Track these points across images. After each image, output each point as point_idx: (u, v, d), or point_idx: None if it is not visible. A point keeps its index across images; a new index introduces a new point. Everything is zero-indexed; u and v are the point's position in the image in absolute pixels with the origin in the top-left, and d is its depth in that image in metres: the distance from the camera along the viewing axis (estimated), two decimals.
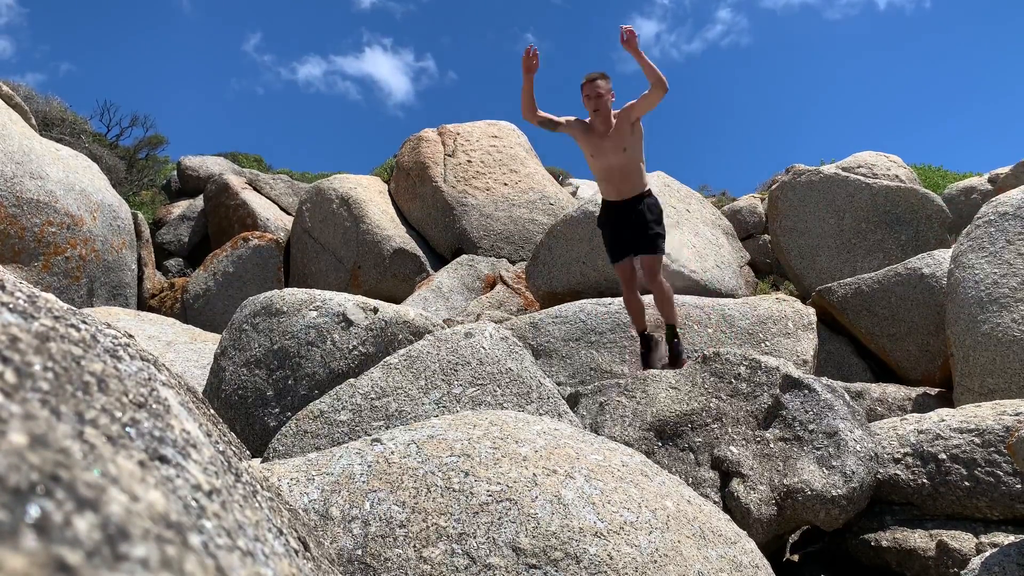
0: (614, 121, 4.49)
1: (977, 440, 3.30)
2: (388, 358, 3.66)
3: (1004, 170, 11.49)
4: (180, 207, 13.46)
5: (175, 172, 15.36)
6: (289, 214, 12.36)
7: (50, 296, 0.95)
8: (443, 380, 3.49)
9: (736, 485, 3.32)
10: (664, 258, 7.08)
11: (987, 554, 2.72)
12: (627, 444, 3.46)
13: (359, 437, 3.20)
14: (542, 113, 4.49)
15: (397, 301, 8.03)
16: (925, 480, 3.36)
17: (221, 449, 1.06)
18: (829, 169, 8.64)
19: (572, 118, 4.58)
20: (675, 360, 4.34)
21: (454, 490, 2.14)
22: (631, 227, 4.60)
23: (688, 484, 3.10)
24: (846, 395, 3.57)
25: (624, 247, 4.67)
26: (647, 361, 4.49)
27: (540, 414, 3.32)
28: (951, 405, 4.72)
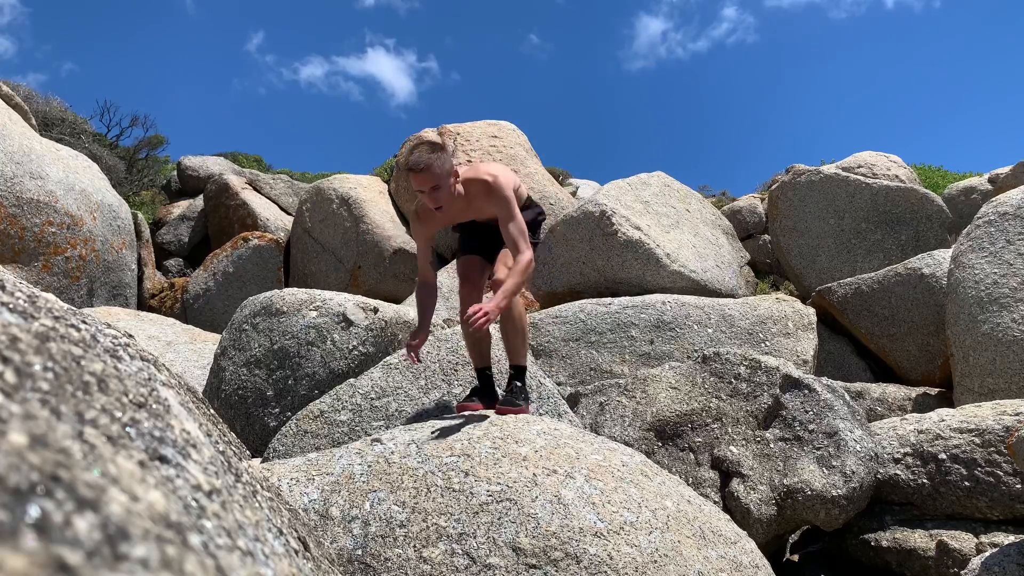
0: (470, 199, 3.15)
1: (977, 440, 3.30)
2: (388, 358, 3.66)
3: (1004, 170, 11.48)
4: (180, 207, 13.46)
5: (175, 172, 15.36)
6: (289, 214, 12.36)
7: (50, 296, 0.95)
8: (443, 380, 3.49)
9: (736, 485, 3.32)
10: (664, 258, 7.11)
11: (987, 554, 2.72)
12: (627, 444, 3.46)
13: (359, 437, 3.20)
14: (431, 272, 3.30)
15: (397, 301, 8.03)
16: (925, 480, 3.36)
17: (221, 449, 1.06)
18: (829, 169, 8.64)
19: (416, 221, 3.29)
20: (512, 407, 2.97)
21: (454, 490, 2.14)
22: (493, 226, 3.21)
23: (688, 484, 3.10)
24: (846, 395, 3.57)
25: (475, 239, 3.32)
26: (479, 401, 3.11)
27: (540, 414, 3.31)
28: (951, 405, 4.72)
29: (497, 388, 3.27)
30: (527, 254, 2.96)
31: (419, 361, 3.13)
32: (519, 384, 3.14)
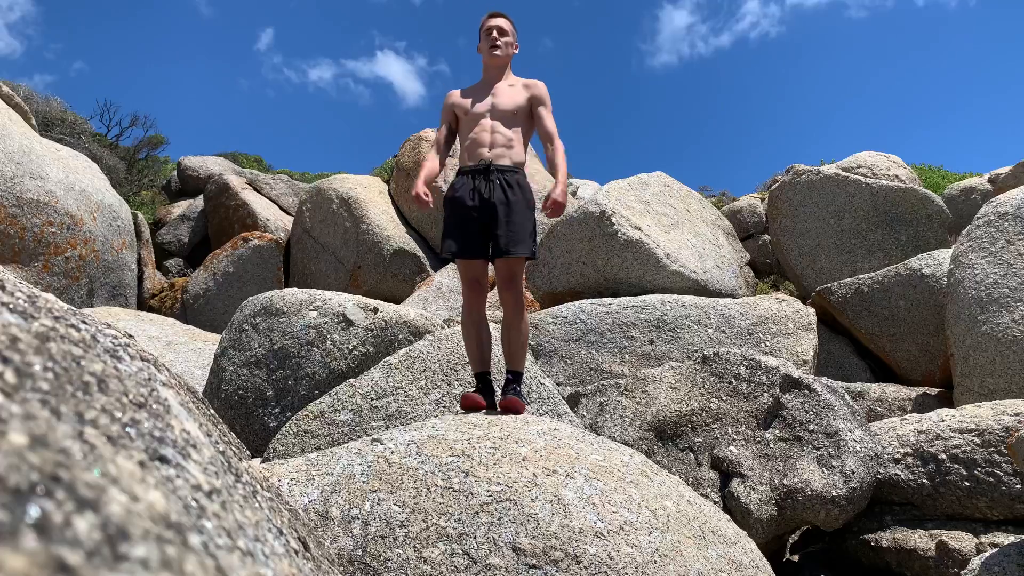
0: (512, 85, 3.46)
1: (977, 440, 3.30)
2: (388, 358, 3.66)
3: (1004, 170, 11.49)
4: (180, 207, 13.46)
5: (175, 172, 15.36)
6: (289, 214, 12.36)
7: (50, 296, 0.95)
8: (443, 380, 3.49)
9: (736, 485, 3.32)
10: (664, 258, 7.11)
11: (987, 554, 2.72)
12: (627, 444, 3.46)
13: (359, 437, 3.20)
14: (441, 152, 3.51)
15: (397, 301, 8.03)
16: (925, 480, 3.36)
17: (221, 449, 1.05)
18: (829, 169, 8.64)
19: (448, 99, 3.56)
20: (512, 409, 3.03)
21: (454, 490, 2.14)
22: (489, 210, 3.23)
23: (688, 484, 3.10)
24: (846, 395, 3.57)
25: (474, 237, 3.28)
26: (472, 402, 3.11)
27: (540, 414, 3.31)
28: (951, 405, 4.72)
29: (496, 388, 3.28)
30: (561, 143, 3.39)
31: (426, 198, 3.23)
32: (516, 388, 3.20)
